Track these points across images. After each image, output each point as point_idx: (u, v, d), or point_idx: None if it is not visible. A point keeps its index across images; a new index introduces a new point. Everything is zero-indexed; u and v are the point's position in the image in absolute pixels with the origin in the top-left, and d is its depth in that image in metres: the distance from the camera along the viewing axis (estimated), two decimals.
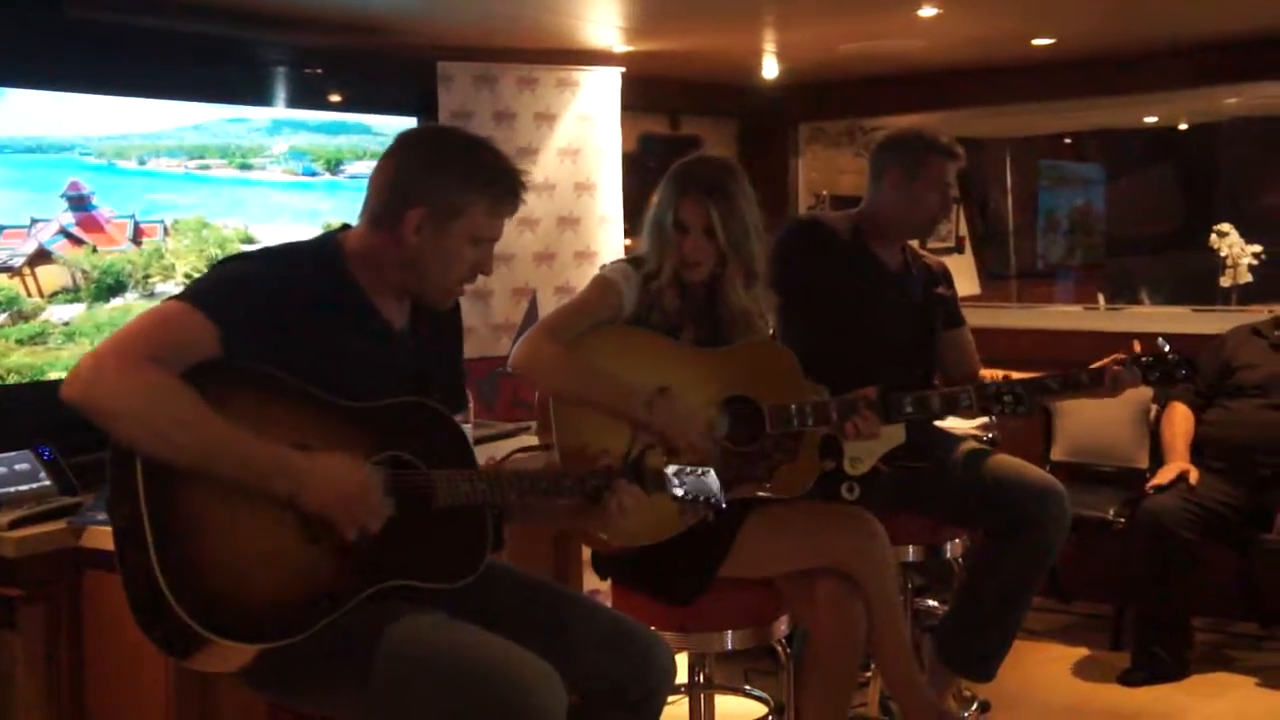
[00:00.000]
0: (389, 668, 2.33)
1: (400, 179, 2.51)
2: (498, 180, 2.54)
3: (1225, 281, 6.08)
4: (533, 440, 3.91)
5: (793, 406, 3.26)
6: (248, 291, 2.37)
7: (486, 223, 2.55)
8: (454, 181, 2.49)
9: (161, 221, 3.98)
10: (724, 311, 3.27)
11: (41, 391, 3.59)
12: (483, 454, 3.37)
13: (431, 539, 2.48)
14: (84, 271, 3.77)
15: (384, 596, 2.39)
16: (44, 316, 3.70)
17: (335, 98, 4.61)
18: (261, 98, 4.37)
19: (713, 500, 2.72)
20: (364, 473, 2.33)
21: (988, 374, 3.82)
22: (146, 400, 2.18)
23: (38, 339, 3.66)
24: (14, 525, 3.08)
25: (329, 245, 2.56)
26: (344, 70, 4.74)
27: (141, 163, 3.93)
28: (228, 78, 4.30)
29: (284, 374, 2.36)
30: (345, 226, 2.62)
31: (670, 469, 2.72)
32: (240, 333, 2.30)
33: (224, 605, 2.20)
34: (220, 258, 2.54)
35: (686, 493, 2.71)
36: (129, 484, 2.19)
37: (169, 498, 2.20)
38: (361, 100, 4.65)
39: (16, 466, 3.26)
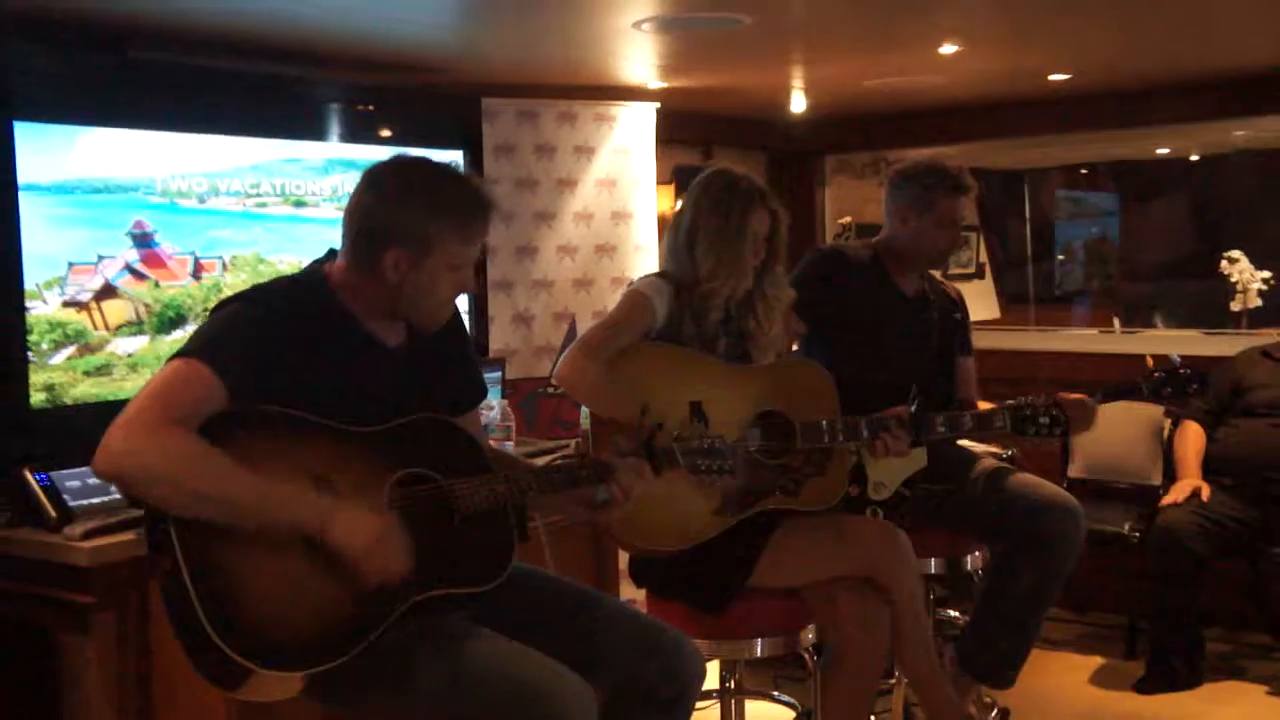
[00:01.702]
0: (431, 684, 2.35)
1: (372, 221, 2.47)
2: (465, 211, 2.51)
3: (1236, 306, 6.07)
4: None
5: (824, 422, 3.28)
6: (243, 335, 2.36)
7: (461, 251, 2.51)
8: (423, 219, 2.45)
9: (220, 257, 4.03)
10: (752, 325, 3.32)
11: (112, 410, 3.62)
12: None
13: (459, 546, 2.49)
14: (147, 305, 3.83)
15: (420, 608, 2.39)
16: (110, 349, 3.75)
17: (385, 133, 4.67)
18: (317, 133, 4.43)
19: (726, 466, 2.76)
20: (387, 520, 2.32)
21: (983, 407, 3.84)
22: (175, 466, 2.19)
23: (103, 370, 3.72)
24: (87, 535, 3.13)
25: (314, 277, 2.54)
26: (394, 107, 4.80)
27: (202, 201, 3.98)
28: (285, 115, 4.36)
29: (294, 410, 2.35)
30: (331, 253, 2.58)
31: (679, 446, 2.76)
32: (244, 377, 2.30)
33: (266, 637, 2.21)
34: (218, 301, 2.53)
35: (699, 465, 2.76)
36: (165, 540, 2.21)
37: (203, 546, 2.21)
38: (410, 135, 4.71)
39: (89, 480, 3.31)
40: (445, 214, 2.47)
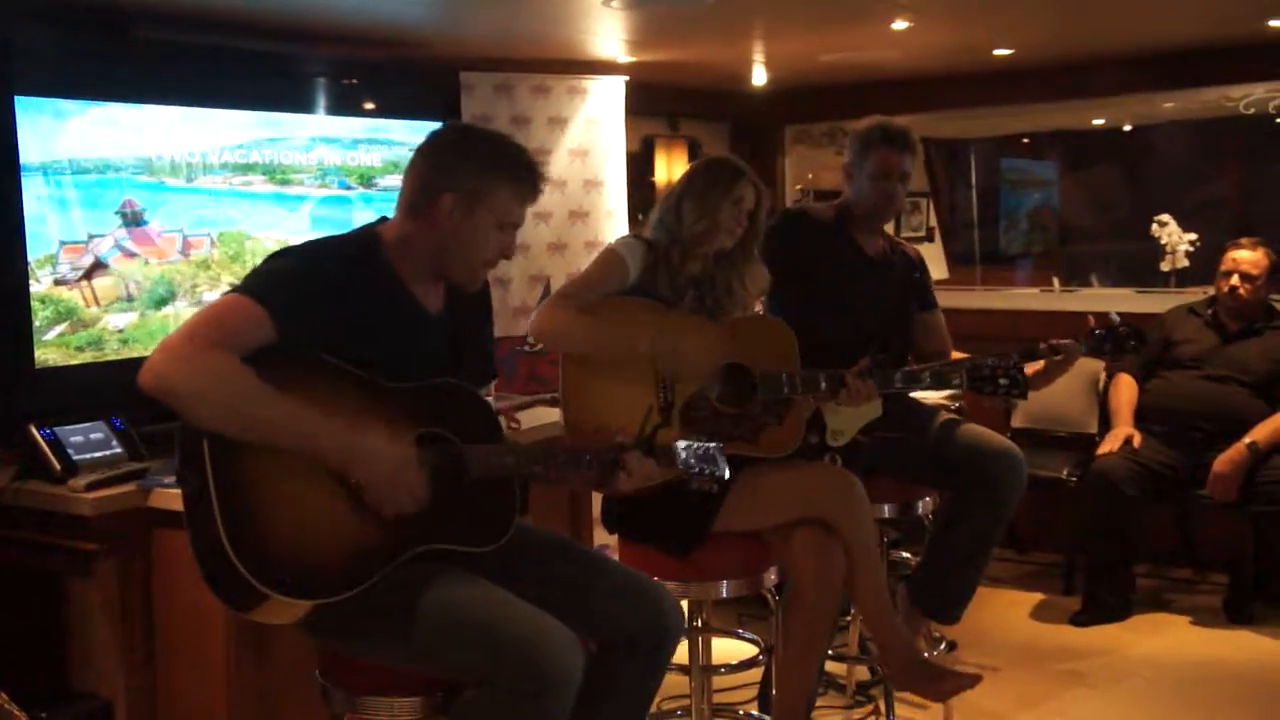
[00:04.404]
0: (427, 628, 2.33)
1: (433, 169, 2.52)
2: (518, 169, 2.55)
3: (1165, 266, 6.09)
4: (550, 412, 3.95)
5: (783, 375, 3.25)
6: (296, 282, 2.35)
7: (510, 208, 2.55)
8: (481, 169, 2.51)
9: (208, 235, 3.94)
10: (722, 293, 3.31)
11: (110, 370, 3.61)
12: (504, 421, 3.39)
13: (465, 507, 2.48)
14: (137, 282, 3.74)
15: (423, 558, 2.39)
16: (101, 325, 3.66)
17: (369, 105, 4.60)
18: (305, 106, 4.35)
19: (717, 474, 2.69)
20: (408, 453, 2.32)
21: (955, 356, 3.82)
22: (214, 380, 2.18)
23: (95, 345, 3.64)
24: (90, 487, 3.10)
25: (368, 237, 2.54)
26: (378, 81, 4.72)
27: (189, 181, 3.88)
28: (274, 89, 4.27)
29: (329, 357, 2.35)
30: (383, 219, 2.61)
31: (679, 444, 2.70)
32: (290, 319, 2.29)
33: (281, 565, 2.21)
34: (275, 250, 2.52)
35: (693, 467, 2.70)
36: (197, 457, 2.20)
37: (233, 469, 2.20)
38: (393, 107, 4.64)
39: (92, 435, 3.28)
40: (501, 168, 2.53)
